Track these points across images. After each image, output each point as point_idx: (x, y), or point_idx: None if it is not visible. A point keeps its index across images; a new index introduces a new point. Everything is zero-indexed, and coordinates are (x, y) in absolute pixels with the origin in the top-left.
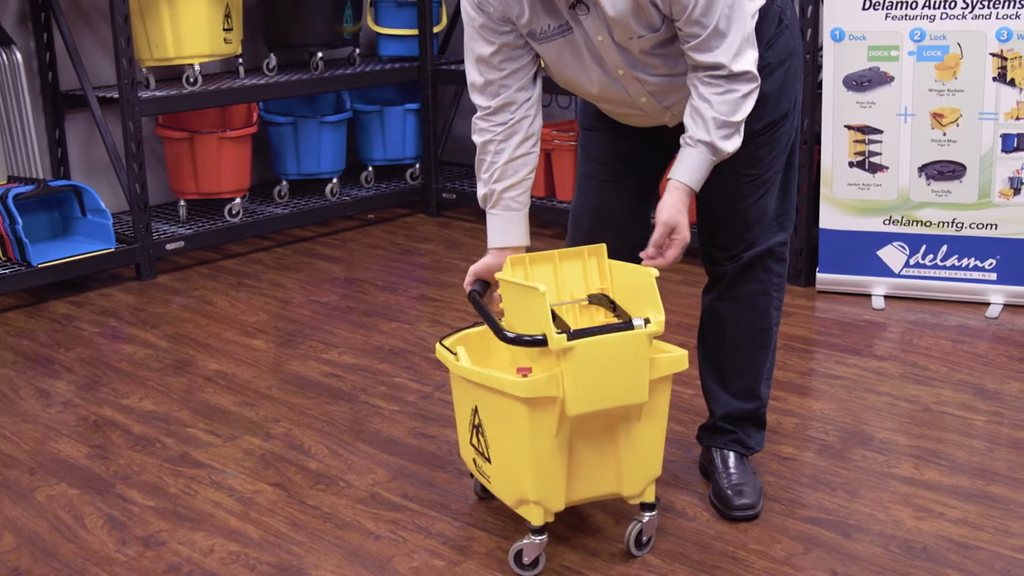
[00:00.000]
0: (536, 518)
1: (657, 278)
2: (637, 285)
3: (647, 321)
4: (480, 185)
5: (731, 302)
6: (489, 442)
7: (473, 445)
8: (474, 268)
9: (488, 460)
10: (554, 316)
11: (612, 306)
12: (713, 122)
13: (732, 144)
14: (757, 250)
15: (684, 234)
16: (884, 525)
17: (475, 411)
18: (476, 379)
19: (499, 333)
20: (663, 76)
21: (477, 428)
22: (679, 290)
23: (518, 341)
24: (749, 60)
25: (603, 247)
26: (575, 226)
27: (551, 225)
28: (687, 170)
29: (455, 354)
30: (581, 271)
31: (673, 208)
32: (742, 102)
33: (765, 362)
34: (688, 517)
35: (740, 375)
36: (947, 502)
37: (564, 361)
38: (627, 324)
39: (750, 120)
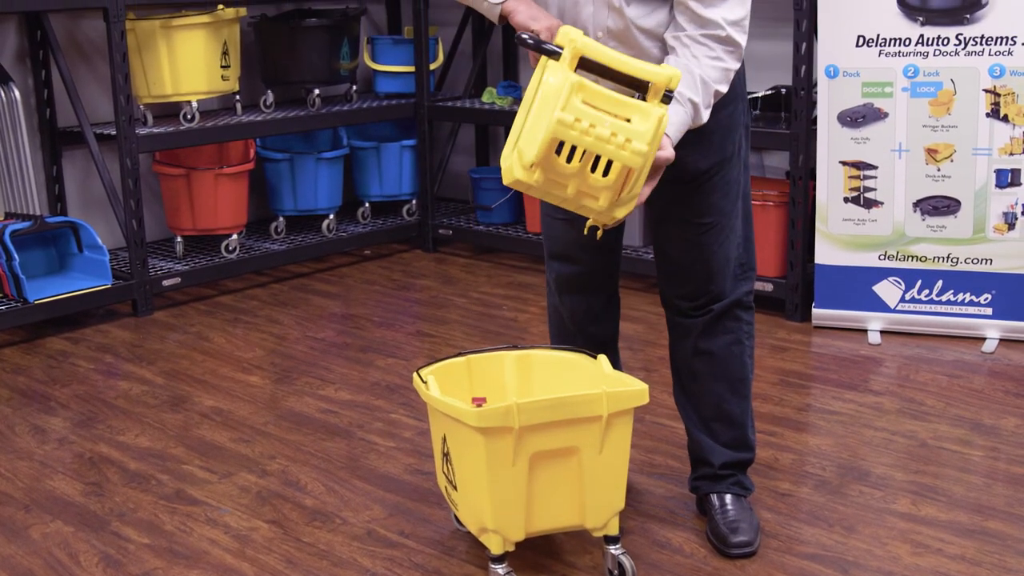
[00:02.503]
0: (495, 547)
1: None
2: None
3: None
4: None
5: (707, 356)
6: (455, 470)
7: (444, 473)
8: (524, 23)
9: (455, 488)
10: None
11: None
12: (702, 82)
13: (707, 114)
14: (725, 302)
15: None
16: (882, 561)
17: (443, 439)
18: (439, 408)
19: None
20: (632, 23)
21: (446, 456)
22: None
23: (536, 44)
24: (742, 34)
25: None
26: (558, 287)
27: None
28: (671, 122)
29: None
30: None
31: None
32: (725, 76)
33: (748, 411)
34: (685, 553)
35: (727, 428)
36: (945, 538)
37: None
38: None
39: (696, 158)
